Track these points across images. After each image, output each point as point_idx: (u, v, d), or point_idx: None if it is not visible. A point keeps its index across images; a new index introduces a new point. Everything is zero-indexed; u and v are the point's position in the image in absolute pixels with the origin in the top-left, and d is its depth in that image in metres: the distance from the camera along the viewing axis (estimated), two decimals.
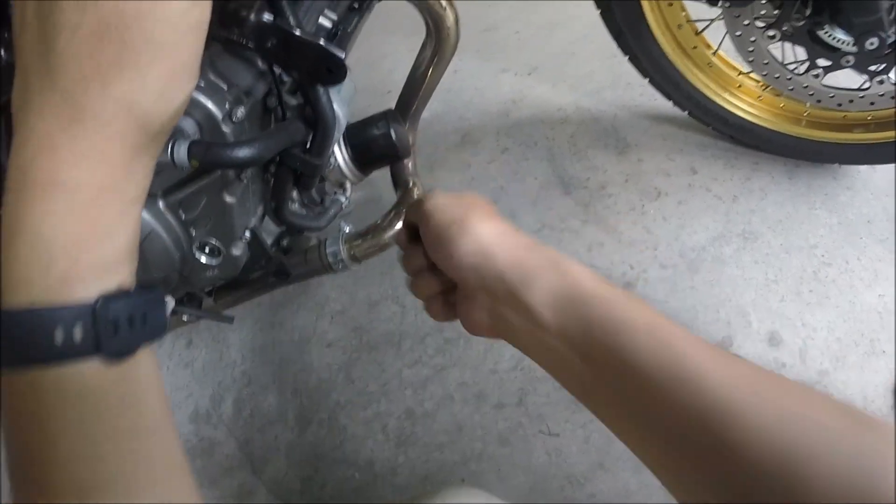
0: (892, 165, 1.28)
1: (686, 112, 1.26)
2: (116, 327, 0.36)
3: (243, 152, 0.64)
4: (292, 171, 0.80)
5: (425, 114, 1.54)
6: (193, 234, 0.77)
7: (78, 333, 0.35)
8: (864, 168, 1.30)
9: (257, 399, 1.26)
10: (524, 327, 0.46)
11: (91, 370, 0.35)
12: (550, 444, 1.08)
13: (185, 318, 0.99)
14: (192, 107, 0.66)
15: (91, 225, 0.36)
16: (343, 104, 0.83)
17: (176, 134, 0.64)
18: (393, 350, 1.22)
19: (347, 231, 0.97)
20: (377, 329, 1.25)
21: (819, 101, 1.11)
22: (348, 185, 0.97)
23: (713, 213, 1.26)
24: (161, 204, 0.73)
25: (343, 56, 0.64)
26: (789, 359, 1.10)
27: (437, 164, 1.44)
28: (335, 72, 0.65)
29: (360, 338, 1.25)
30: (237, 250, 0.82)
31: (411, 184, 1.01)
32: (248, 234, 0.83)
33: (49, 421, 0.35)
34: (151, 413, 0.39)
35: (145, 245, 0.73)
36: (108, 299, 0.36)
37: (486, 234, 0.48)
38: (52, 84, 0.35)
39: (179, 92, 0.39)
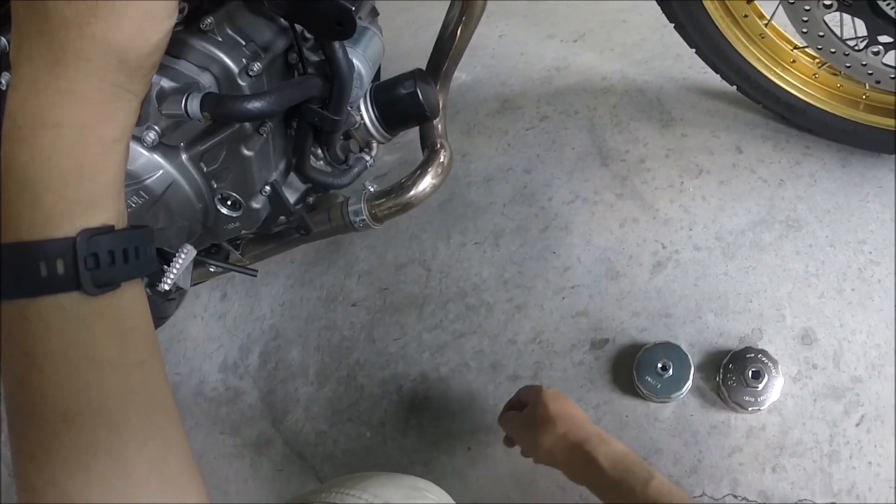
0: None
1: (735, 87, 1.20)
2: (98, 261, 0.38)
3: (254, 105, 0.65)
4: (312, 126, 0.81)
5: (466, 78, 1.53)
6: (215, 186, 0.78)
7: (61, 267, 0.37)
8: None
9: (282, 352, 1.28)
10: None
11: (74, 302, 0.38)
12: None
13: (211, 269, 1.02)
14: (209, 61, 0.68)
15: (74, 163, 0.38)
16: (367, 62, 0.83)
17: (192, 87, 0.65)
18: (415, 313, 1.22)
19: (372, 190, 0.96)
20: (402, 291, 1.25)
21: (878, 83, 1.02)
22: (374, 145, 0.97)
23: (756, 197, 1.20)
24: (184, 156, 0.74)
25: (352, 9, 0.62)
26: (822, 360, 1.05)
27: (474, 130, 1.42)
28: (345, 25, 0.63)
29: (385, 299, 1.25)
30: (257, 203, 0.84)
31: (439, 145, 0.99)
32: (268, 188, 0.84)
33: (35, 349, 0.38)
34: (137, 347, 0.41)
35: (168, 195, 0.74)
36: (90, 234, 0.38)
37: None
38: (38, 30, 0.38)
39: (156, 29, 0.41)
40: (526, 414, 0.87)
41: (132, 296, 0.42)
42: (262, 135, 0.77)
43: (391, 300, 1.25)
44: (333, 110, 0.77)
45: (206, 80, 0.68)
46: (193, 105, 0.62)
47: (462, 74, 1.52)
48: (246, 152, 0.77)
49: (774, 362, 1.03)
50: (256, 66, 0.70)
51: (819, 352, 1.06)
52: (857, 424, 1.00)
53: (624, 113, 1.36)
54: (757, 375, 1.02)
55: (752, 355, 1.04)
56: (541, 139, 1.37)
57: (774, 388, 1.02)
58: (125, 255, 0.40)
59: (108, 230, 0.39)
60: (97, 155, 0.39)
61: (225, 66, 0.68)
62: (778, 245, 1.15)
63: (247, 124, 0.75)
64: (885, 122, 1.11)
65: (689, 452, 1.02)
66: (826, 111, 1.16)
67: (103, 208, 0.40)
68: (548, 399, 0.84)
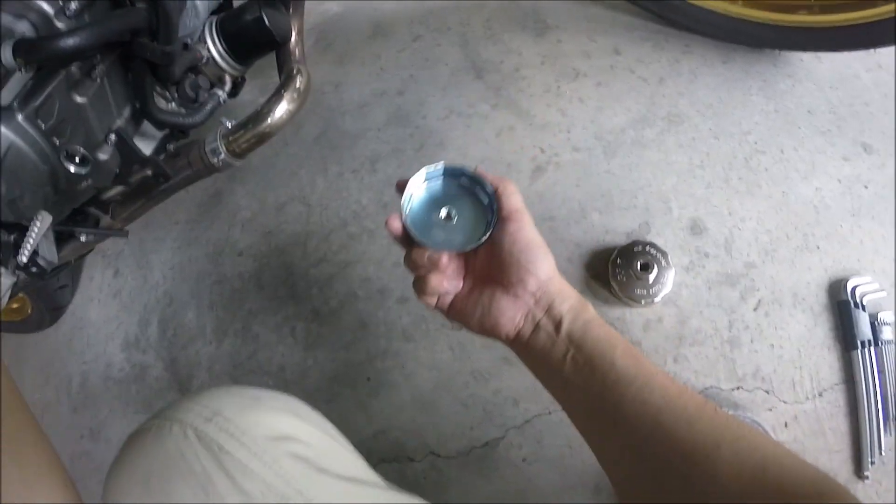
0: (839, 55, 1.19)
1: None
2: None
3: (67, 41, 0.63)
4: (148, 64, 0.78)
5: (336, 7, 1.47)
6: (57, 144, 0.73)
7: None
8: (807, 56, 1.22)
9: (179, 317, 1.22)
10: (546, 328, 0.59)
11: None
12: (454, 339, 1.04)
13: (82, 237, 0.95)
14: (24, 8, 0.65)
15: None
16: None
17: (5, 36, 0.63)
18: (300, 251, 1.17)
19: (228, 126, 0.91)
20: (285, 231, 1.19)
21: None
22: (227, 79, 0.93)
23: (636, 96, 1.19)
24: (19, 117, 0.68)
25: None
26: (713, 249, 1.05)
27: (346, 58, 1.36)
28: None
29: (269, 242, 1.20)
30: (104, 154, 0.80)
31: (295, 70, 0.95)
32: (113, 137, 0.80)
33: None
34: None
35: (10, 160, 0.69)
36: None
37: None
38: None
39: None
40: None
41: None
42: (93, 79, 0.73)
43: (275, 242, 1.19)
44: (163, 40, 0.73)
45: (23, 28, 0.64)
46: (6, 53, 0.60)
47: (333, 5, 1.46)
48: (79, 99, 0.73)
49: (664, 253, 1.02)
50: (74, 5, 0.66)
51: (710, 240, 1.05)
52: (755, 309, 1.01)
53: (498, 25, 1.32)
54: (646, 267, 1.01)
55: (640, 248, 1.02)
56: (413, 59, 1.32)
57: (666, 280, 1.01)
58: None
59: None
60: None
61: (40, 10, 0.65)
62: (660, 140, 1.14)
63: (74, 69, 0.71)
64: (765, 16, 1.10)
65: None
66: (703, 7, 1.15)
67: None
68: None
